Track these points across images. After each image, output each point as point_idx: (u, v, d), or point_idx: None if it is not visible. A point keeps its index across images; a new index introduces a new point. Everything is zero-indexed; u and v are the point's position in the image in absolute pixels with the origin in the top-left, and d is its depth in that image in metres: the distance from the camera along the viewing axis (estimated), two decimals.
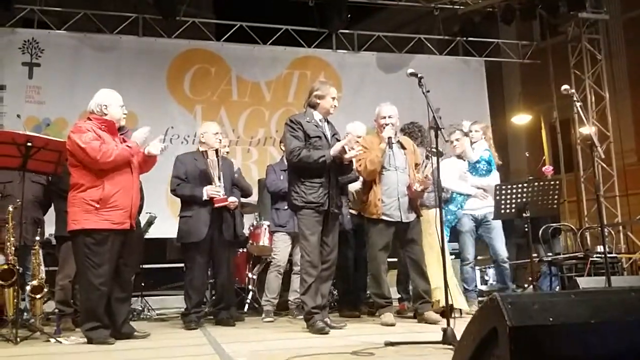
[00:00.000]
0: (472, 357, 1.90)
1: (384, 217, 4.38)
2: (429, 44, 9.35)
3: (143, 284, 6.09)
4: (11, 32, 7.70)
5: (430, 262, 4.49)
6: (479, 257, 5.65)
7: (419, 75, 3.58)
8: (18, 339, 3.72)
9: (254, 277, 5.88)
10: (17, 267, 4.05)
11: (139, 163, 3.94)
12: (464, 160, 5.35)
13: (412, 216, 4.47)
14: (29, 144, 3.88)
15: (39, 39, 7.75)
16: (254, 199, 6.81)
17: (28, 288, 4.26)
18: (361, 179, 4.68)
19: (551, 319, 1.71)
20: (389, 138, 4.36)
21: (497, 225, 5.17)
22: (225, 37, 8.56)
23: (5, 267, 4.01)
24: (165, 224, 6.48)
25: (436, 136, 3.44)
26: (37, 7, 7.88)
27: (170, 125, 7.95)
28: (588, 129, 4.27)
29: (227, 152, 5.37)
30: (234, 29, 8.56)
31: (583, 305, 1.76)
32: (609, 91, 9.14)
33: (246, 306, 5.80)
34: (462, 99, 8.90)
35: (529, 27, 10.24)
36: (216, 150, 4.65)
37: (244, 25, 8.55)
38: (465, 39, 9.31)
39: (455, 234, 5.36)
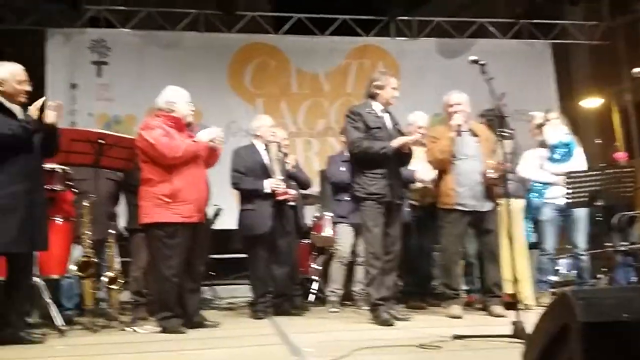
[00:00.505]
0: (543, 353, 1.86)
1: (457, 207, 4.32)
2: (491, 28, 9.08)
3: (212, 274, 6.28)
4: (80, 32, 8.05)
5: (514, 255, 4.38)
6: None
7: (481, 62, 3.50)
8: (97, 328, 3.93)
9: (318, 267, 5.96)
10: (95, 260, 4.27)
11: (204, 158, 4.06)
12: (546, 148, 5.16)
13: (488, 205, 4.36)
14: (101, 141, 4.07)
15: (106, 38, 8.07)
16: (315, 190, 6.87)
17: (104, 279, 4.48)
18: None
19: (626, 315, 1.65)
20: (458, 126, 4.30)
21: (581, 215, 4.97)
22: (284, 29, 8.62)
23: (84, 259, 4.23)
24: (230, 215, 6.64)
25: (500, 125, 3.36)
26: (104, 7, 8.20)
27: (233, 119, 8.11)
28: None
29: (287, 145, 5.41)
30: (291, 21, 8.61)
31: None
32: None
33: (311, 296, 5.90)
34: (528, 83, 8.62)
35: (597, 7, 9.75)
36: (278, 144, 4.72)
37: (302, 17, 8.58)
38: (529, 21, 8.99)
39: (536, 224, 5.20)
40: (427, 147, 4.53)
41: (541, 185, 5.09)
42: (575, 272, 5.20)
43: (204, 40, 8.37)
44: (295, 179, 5.11)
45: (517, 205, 4.46)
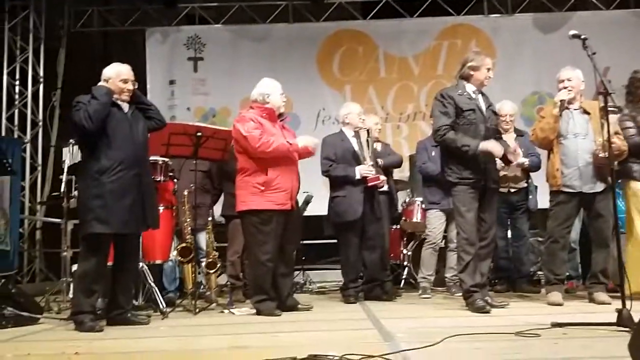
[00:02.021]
0: None
1: (564, 189, 4.11)
2: None
3: (304, 258, 6.41)
4: (177, 30, 8.41)
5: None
6: None
7: (582, 37, 3.28)
8: (197, 310, 4.14)
9: (409, 253, 5.90)
10: (194, 245, 4.49)
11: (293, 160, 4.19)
12: None
13: (600, 187, 4.09)
14: (199, 134, 4.25)
15: (200, 35, 8.37)
16: (405, 174, 6.79)
17: (203, 264, 4.70)
18: None
19: None
20: (562, 102, 4.08)
21: None
22: (372, 14, 8.53)
23: (184, 245, 4.46)
24: (321, 202, 6.72)
25: (605, 102, 3.15)
26: (197, 4, 8.51)
27: (322, 107, 8.17)
28: None
29: (379, 130, 5.38)
30: (379, 5, 8.50)
31: None
32: None
33: (402, 282, 5.86)
34: (635, 56, 7.97)
35: None
36: (367, 131, 4.70)
37: (390, 1, 8.45)
38: None
39: None
40: (533, 127, 4.36)
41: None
42: None
43: (293, 31, 8.45)
44: (386, 167, 5.07)
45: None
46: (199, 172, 4.82)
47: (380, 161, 4.96)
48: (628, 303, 2.82)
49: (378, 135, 5.25)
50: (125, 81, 3.71)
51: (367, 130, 4.71)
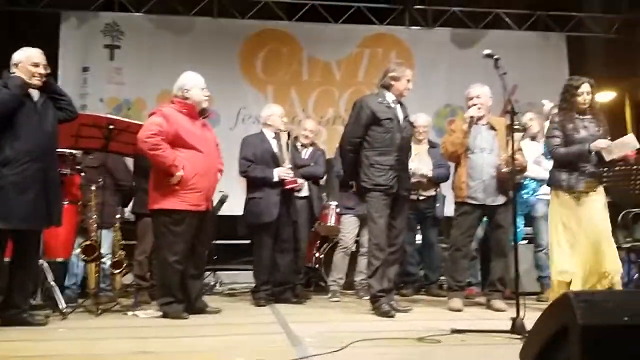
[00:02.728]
0: (540, 352, 1.85)
1: (468, 200, 4.30)
2: (507, 19, 8.96)
3: (215, 258, 6.30)
4: (94, 15, 8.03)
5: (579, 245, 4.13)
6: None
7: (495, 57, 3.45)
8: (99, 311, 3.96)
9: (321, 256, 5.96)
10: (99, 243, 4.30)
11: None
12: (539, 143, 5.13)
13: (501, 199, 4.30)
14: (111, 126, 4.08)
15: (119, 22, 8.04)
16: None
17: (109, 263, 4.52)
18: None
19: (627, 319, 1.63)
20: (471, 118, 4.26)
21: None
22: (297, 16, 8.55)
23: (88, 243, 4.27)
24: (234, 201, 6.64)
25: (512, 121, 3.33)
26: None
27: (243, 105, 8.10)
28: None
29: (312, 137, 5.34)
30: (305, 8, 8.54)
31: None
32: None
33: (313, 285, 5.92)
34: (541, 76, 8.50)
35: None
36: (288, 133, 4.71)
37: (316, 4, 8.51)
38: (546, 12, 8.86)
39: (530, 220, 5.18)
40: (443, 140, 4.52)
41: (534, 181, 5.05)
42: None
43: (217, 26, 8.31)
44: (307, 176, 5.07)
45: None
46: (90, 168, 4.60)
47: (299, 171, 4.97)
48: (522, 312, 3.00)
49: (308, 141, 5.21)
50: (36, 65, 3.53)
51: (288, 133, 4.72)
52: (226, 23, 8.36)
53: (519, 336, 2.83)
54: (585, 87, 4.16)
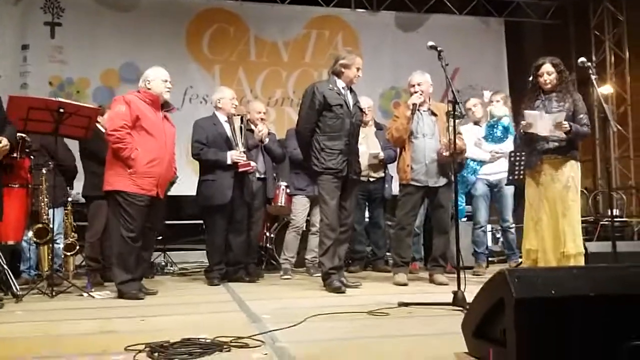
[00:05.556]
0: (480, 323, 2.09)
1: (412, 182, 4.53)
2: (448, 3, 9.24)
3: (161, 238, 6.30)
4: None
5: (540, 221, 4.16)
6: (492, 219, 5.82)
7: (439, 49, 3.65)
8: (53, 293, 3.99)
9: (272, 236, 6.12)
10: (51, 226, 4.29)
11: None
12: (480, 127, 5.45)
13: (442, 181, 4.56)
14: (61, 110, 4.06)
15: None
16: None
17: (62, 245, 4.51)
18: None
19: (554, 292, 1.88)
20: (414, 105, 4.48)
21: (508, 192, 5.33)
22: None
23: (40, 226, 4.25)
24: (184, 183, 6.67)
25: (454, 110, 3.55)
26: None
27: (190, 84, 8.06)
28: (606, 107, 4.10)
29: (264, 118, 5.41)
30: None
31: (583, 279, 1.93)
32: (630, 53, 9.02)
33: (264, 263, 6.08)
34: (480, 60, 8.88)
35: None
36: (241, 117, 4.80)
37: None
38: None
39: (470, 198, 5.51)
40: (388, 125, 4.72)
41: (475, 162, 5.37)
42: (506, 246, 5.56)
43: (161, 4, 8.17)
44: (269, 152, 5.19)
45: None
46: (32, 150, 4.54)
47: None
48: (462, 285, 3.26)
49: (262, 122, 5.27)
50: None
51: (241, 117, 4.81)
52: (171, 1, 8.25)
53: (461, 308, 3.08)
54: (545, 68, 4.14)
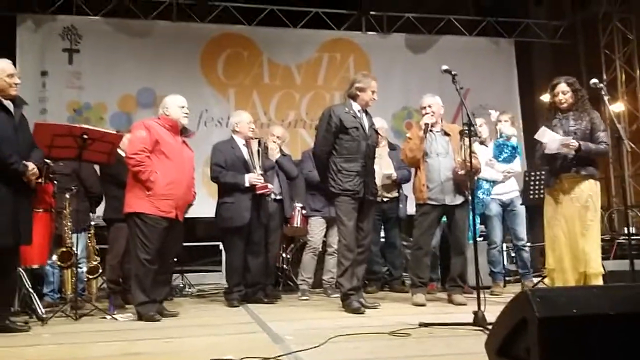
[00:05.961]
0: (504, 342, 2.12)
1: (429, 202, 4.58)
2: (458, 24, 9.36)
3: (176, 260, 6.35)
4: (51, 19, 7.99)
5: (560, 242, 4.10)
6: (507, 238, 5.84)
7: (453, 73, 3.73)
8: (78, 316, 4.06)
9: (288, 257, 6.17)
10: (74, 250, 4.38)
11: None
12: (487, 146, 5.50)
13: (459, 199, 4.61)
14: (85, 136, 4.17)
15: (77, 26, 8.03)
16: None
17: (85, 269, 4.60)
18: None
19: (575, 311, 1.92)
20: (426, 125, 4.56)
21: (521, 211, 5.36)
22: (256, 21, 8.70)
23: (64, 249, 4.34)
24: (200, 205, 6.72)
25: (469, 131, 3.62)
26: None
27: (205, 108, 8.22)
28: (618, 125, 4.09)
29: (281, 142, 5.51)
30: (264, 12, 8.70)
31: (603, 298, 1.97)
32: None
33: (281, 284, 6.12)
34: (491, 80, 8.97)
35: (559, 6, 10.14)
36: (259, 141, 4.90)
37: (274, 9, 8.68)
38: (495, 19, 9.31)
39: (484, 218, 5.54)
40: (402, 147, 4.79)
41: (487, 183, 5.42)
42: (520, 265, 5.55)
43: (176, 30, 8.39)
44: (281, 167, 5.28)
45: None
46: (62, 175, 4.67)
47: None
48: (482, 305, 3.29)
49: (283, 145, 5.41)
50: (11, 76, 3.62)
51: (259, 140, 4.91)
52: (185, 27, 8.45)
53: (481, 328, 3.10)
54: (560, 87, 4.12)
